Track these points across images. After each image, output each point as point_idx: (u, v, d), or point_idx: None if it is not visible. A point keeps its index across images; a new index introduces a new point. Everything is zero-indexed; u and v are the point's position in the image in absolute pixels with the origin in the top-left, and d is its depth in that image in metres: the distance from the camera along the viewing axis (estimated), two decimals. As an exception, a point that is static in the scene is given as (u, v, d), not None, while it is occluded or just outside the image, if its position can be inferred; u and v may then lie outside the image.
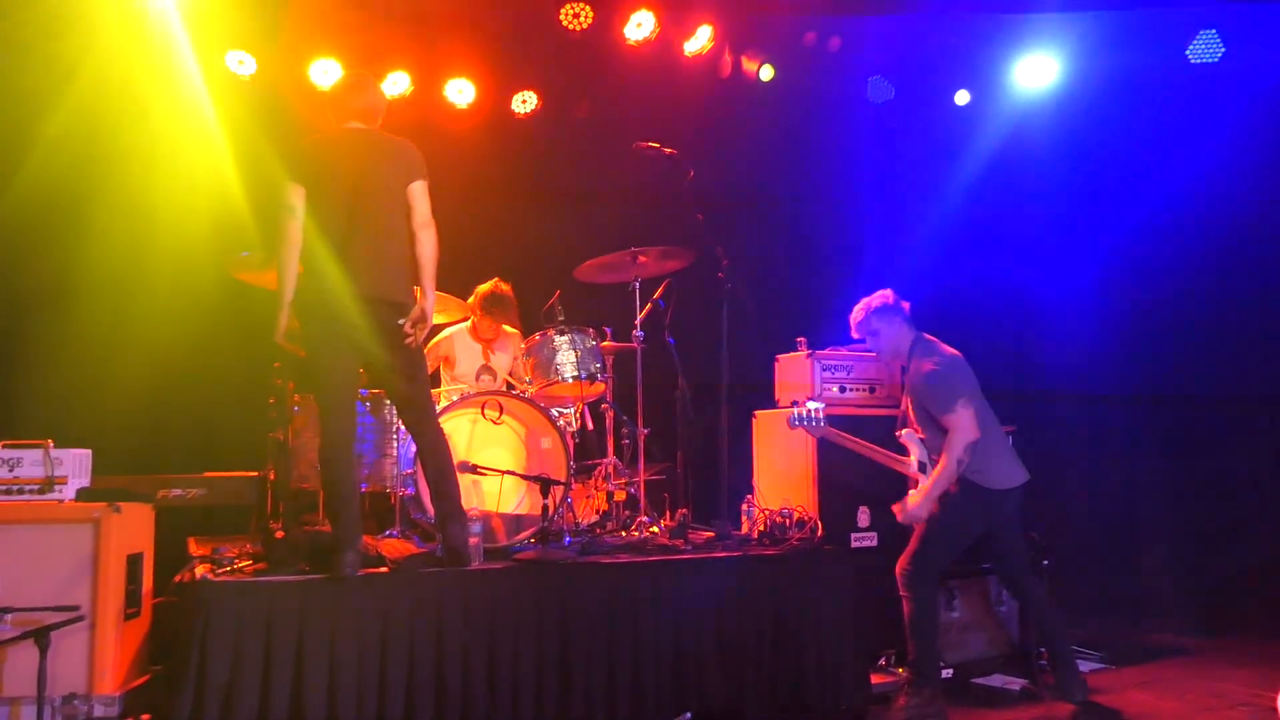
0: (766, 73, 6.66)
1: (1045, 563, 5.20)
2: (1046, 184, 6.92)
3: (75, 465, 3.85)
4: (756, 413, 5.55)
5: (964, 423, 4.42)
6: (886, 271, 6.66)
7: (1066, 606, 4.80)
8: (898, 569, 4.55)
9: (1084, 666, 4.84)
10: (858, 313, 4.79)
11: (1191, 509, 6.70)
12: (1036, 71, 6.74)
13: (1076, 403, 6.88)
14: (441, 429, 4.24)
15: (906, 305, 4.76)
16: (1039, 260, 6.98)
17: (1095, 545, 6.69)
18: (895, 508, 4.61)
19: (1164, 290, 6.81)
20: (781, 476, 5.28)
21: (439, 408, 4.75)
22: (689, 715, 4.26)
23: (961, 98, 6.96)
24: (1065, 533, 6.30)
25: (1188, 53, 6.42)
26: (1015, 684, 4.86)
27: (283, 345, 4.04)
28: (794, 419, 4.73)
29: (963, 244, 6.91)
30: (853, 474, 5.13)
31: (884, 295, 4.76)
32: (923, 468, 4.63)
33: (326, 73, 5.99)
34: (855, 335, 4.87)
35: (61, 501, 3.76)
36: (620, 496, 5.28)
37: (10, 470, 3.75)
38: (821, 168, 7.00)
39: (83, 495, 3.83)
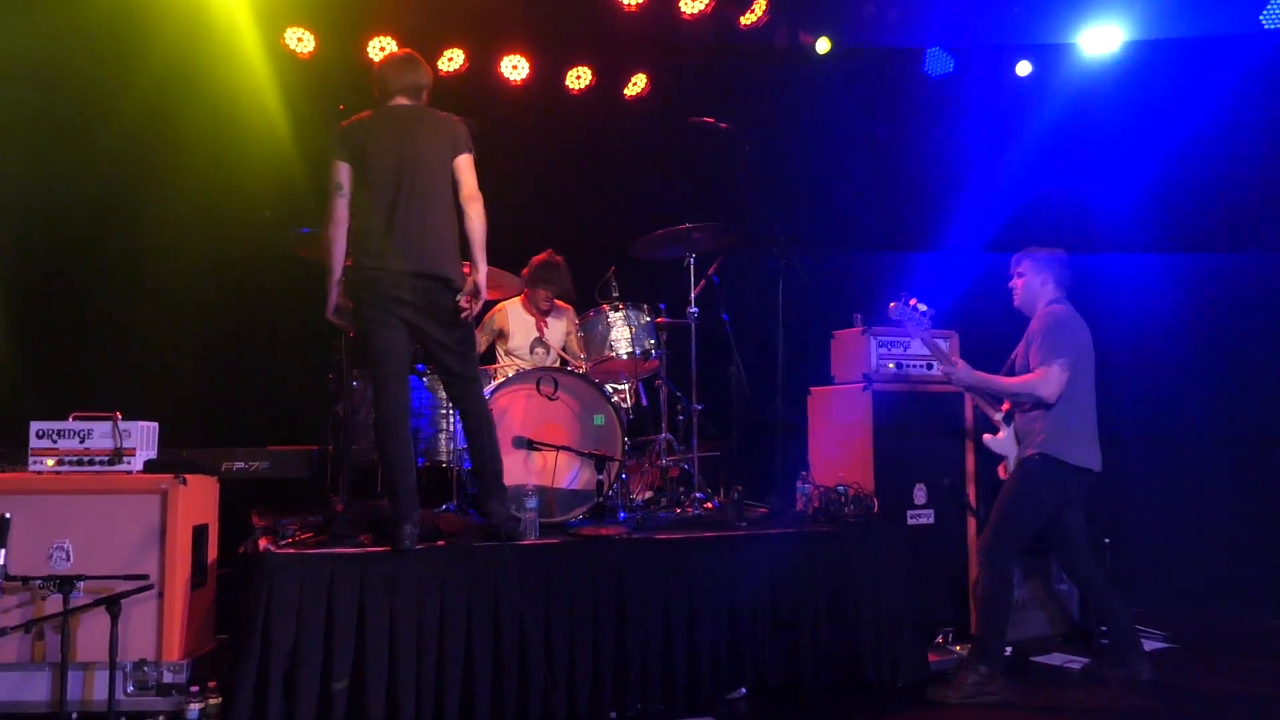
0: (823, 45, 6.57)
1: (1106, 541, 5.13)
2: (1111, 157, 6.73)
3: (143, 437, 3.93)
4: (812, 389, 5.51)
5: (1051, 378, 4.39)
6: (945, 247, 6.58)
7: (1130, 584, 4.70)
8: (978, 544, 4.52)
9: (1148, 645, 4.76)
10: (1021, 253, 4.74)
11: (1264, 486, 6.50)
12: (1101, 40, 6.56)
13: (1140, 380, 6.69)
14: (487, 404, 4.27)
15: (1069, 274, 4.67)
16: (1103, 241, 6.79)
17: (1161, 523, 6.52)
18: (950, 363, 4.69)
19: (1234, 268, 6.59)
20: (837, 453, 5.23)
21: (495, 384, 4.79)
22: (744, 690, 4.27)
23: (1023, 68, 6.80)
24: (1129, 510, 6.16)
25: (1261, 17, 6.19)
26: (1076, 663, 4.79)
27: (334, 322, 4.10)
28: (895, 311, 4.67)
29: (1023, 220, 6.76)
30: (909, 450, 5.10)
31: (1055, 250, 4.69)
32: (1008, 418, 4.59)
33: (383, 49, 6.02)
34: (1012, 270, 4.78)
35: (130, 473, 3.85)
36: (674, 473, 5.28)
37: (81, 441, 3.84)
38: (879, 141, 6.90)
39: (150, 467, 3.91)
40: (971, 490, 5.24)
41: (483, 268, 4.05)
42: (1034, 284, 4.68)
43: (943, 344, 4.75)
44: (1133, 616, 4.63)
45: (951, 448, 5.22)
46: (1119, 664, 4.50)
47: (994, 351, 4.91)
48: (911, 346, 5.32)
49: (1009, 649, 4.74)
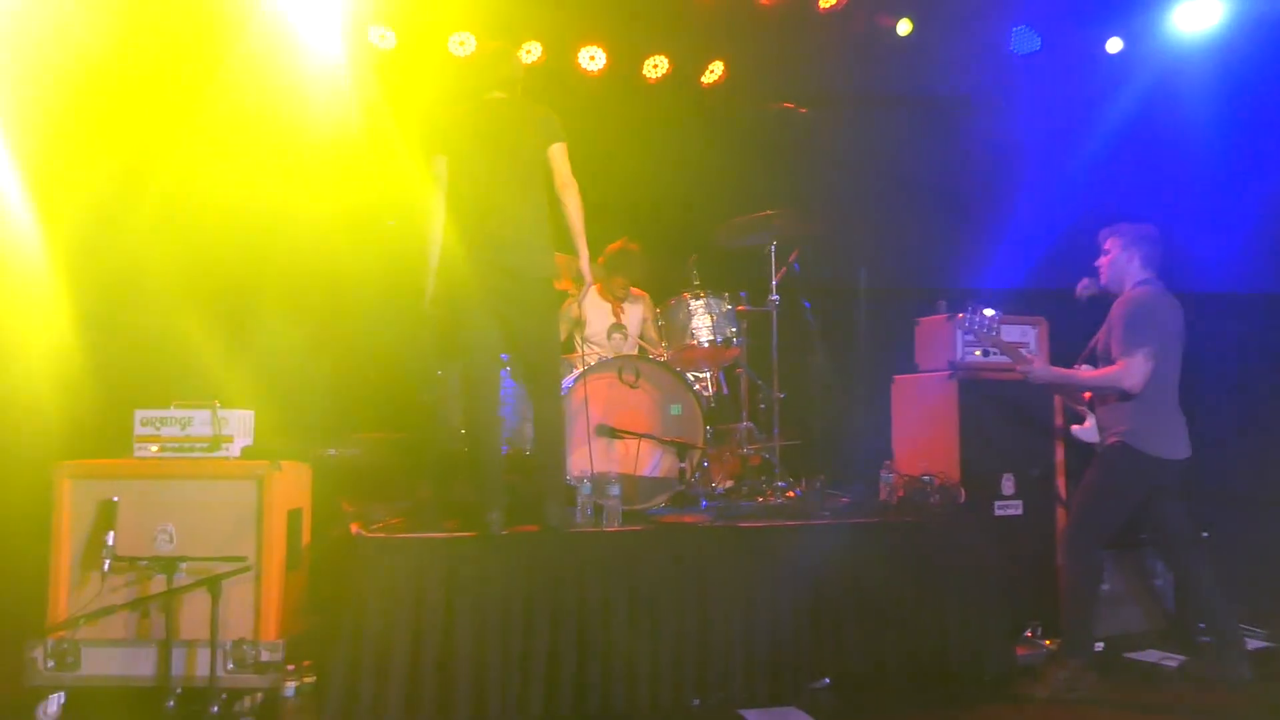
0: (904, 27, 6.45)
1: (1205, 535, 4.97)
2: (1205, 139, 6.49)
3: (240, 425, 4.05)
4: (896, 377, 5.43)
5: (1134, 369, 4.23)
6: (1029, 232, 6.42)
7: (1230, 581, 4.53)
8: (1061, 535, 4.42)
9: (1249, 645, 4.59)
10: (1108, 229, 4.60)
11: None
12: (1197, 14, 6.32)
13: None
14: (562, 405, 4.29)
15: (1160, 251, 4.50)
16: (1196, 230, 6.54)
17: (1263, 516, 6.27)
18: (1031, 355, 4.60)
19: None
20: (922, 442, 5.16)
21: (577, 372, 4.83)
22: (828, 680, 4.24)
23: (1113, 45, 6.60)
24: (1230, 504, 5.94)
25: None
26: (1172, 660, 4.64)
27: (430, 312, 4.19)
28: (963, 322, 4.62)
29: (1112, 205, 6.55)
30: (996, 440, 5.00)
31: (1143, 226, 4.53)
32: (1092, 405, 4.48)
33: (463, 44, 6.10)
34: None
35: (228, 459, 3.98)
36: (756, 461, 5.26)
37: (182, 429, 3.98)
38: (963, 124, 6.74)
39: (247, 453, 4.04)
40: (1061, 481, 5.11)
41: (584, 254, 4.13)
42: (1120, 261, 4.50)
43: (1028, 341, 4.63)
44: (1236, 614, 4.46)
45: (1040, 437, 5.10)
46: (1218, 663, 4.35)
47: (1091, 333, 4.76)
48: (998, 334, 5.21)
49: (1101, 644, 4.63)
